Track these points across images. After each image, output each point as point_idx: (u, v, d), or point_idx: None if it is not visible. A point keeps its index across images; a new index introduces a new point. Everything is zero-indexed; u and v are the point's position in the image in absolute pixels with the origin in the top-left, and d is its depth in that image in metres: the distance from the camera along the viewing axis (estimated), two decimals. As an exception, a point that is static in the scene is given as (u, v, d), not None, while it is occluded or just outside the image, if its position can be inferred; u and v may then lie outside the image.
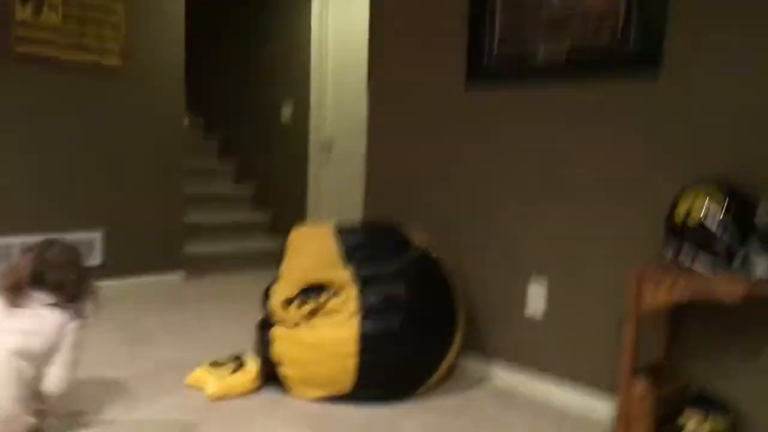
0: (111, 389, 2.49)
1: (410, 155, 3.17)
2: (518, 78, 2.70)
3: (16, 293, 1.99)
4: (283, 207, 5.27)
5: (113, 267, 4.10)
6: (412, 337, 2.50)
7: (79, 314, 2.08)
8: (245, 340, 3.03)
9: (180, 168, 4.45)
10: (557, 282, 2.61)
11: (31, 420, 1.96)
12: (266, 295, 2.77)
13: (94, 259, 4.02)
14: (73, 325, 2.04)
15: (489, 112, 2.83)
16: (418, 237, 2.85)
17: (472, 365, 2.91)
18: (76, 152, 3.92)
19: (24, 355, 1.91)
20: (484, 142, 2.86)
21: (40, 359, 1.95)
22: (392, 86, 3.25)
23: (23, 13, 3.64)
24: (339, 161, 4.95)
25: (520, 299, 2.73)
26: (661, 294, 1.94)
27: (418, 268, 2.63)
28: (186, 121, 4.62)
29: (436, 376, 2.63)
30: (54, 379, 1.97)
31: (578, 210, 2.53)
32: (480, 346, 2.90)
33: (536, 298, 2.67)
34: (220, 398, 2.44)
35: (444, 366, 2.64)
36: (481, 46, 2.83)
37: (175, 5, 4.31)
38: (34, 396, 1.97)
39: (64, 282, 2.06)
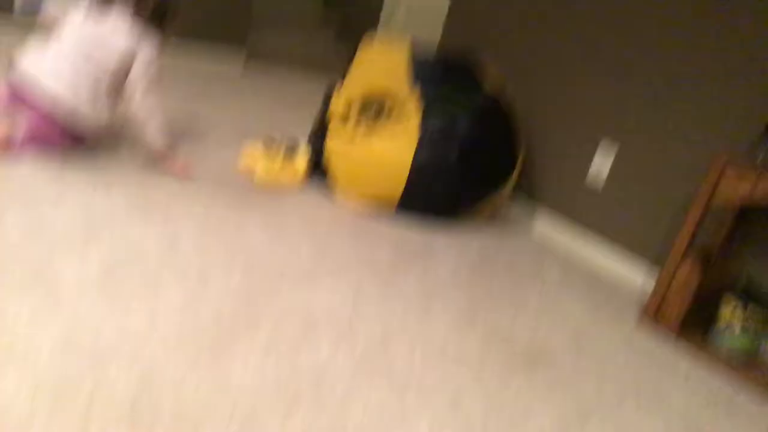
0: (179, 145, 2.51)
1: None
2: None
3: (101, 2, 2.12)
4: (356, 8, 5.00)
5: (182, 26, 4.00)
6: (465, 169, 2.45)
7: (156, 35, 2.18)
8: (303, 132, 3.03)
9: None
10: (627, 151, 2.49)
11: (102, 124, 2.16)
12: (328, 94, 2.71)
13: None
14: (149, 45, 2.15)
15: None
16: (493, 76, 2.70)
17: (519, 214, 2.90)
18: None
19: (95, 59, 2.06)
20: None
21: (113, 69, 2.10)
22: None
23: None
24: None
25: (584, 162, 2.64)
26: (741, 187, 1.85)
27: (485, 106, 2.53)
28: None
29: (478, 210, 2.63)
30: (136, 102, 2.13)
31: (669, 82, 2.34)
32: (531, 198, 2.86)
33: (602, 163, 2.57)
34: (268, 183, 2.48)
35: (489, 204, 2.63)
36: None
37: None
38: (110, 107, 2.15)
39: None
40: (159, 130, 2.19)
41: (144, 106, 2.15)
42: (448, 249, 2.33)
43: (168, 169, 2.27)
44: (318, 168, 2.61)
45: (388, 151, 2.43)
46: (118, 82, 2.14)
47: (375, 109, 2.56)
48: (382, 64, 2.69)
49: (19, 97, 2.03)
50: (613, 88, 2.53)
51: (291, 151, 2.61)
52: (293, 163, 2.57)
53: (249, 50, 4.45)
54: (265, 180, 2.48)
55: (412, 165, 2.40)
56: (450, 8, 3.20)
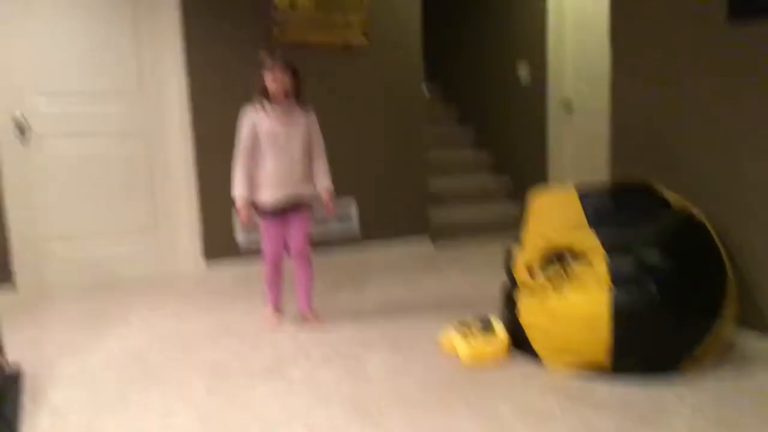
0: (367, 341, 2.73)
1: (663, 107, 2.91)
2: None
3: (284, 100, 2.78)
4: (523, 171, 5.21)
5: (367, 233, 4.46)
6: (672, 307, 2.28)
7: (309, 110, 2.90)
8: (493, 305, 3.08)
9: (422, 136, 4.64)
10: None
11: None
12: (509, 260, 2.77)
13: (352, 224, 4.41)
14: (314, 119, 2.91)
15: (761, 50, 2.47)
16: (674, 198, 2.62)
17: (752, 342, 2.59)
18: (329, 125, 4.27)
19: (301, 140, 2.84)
20: (755, 85, 2.51)
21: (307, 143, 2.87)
22: (639, 36, 3.00)
23: (281, 2, 4.05)
24: (580, 121, 4.73)
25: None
26: None
27: (676, 232, 2.40)
28: (425, 91, 4.78)
29: (702, 351, 2.37)
30: (321, 172, 2.92)
31: None
32: (761, 321, 2.58)
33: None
34: (473, 362, 2.50)
35: (712, 340, 2.38)
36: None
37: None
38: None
39: (302, 86, 2.84)
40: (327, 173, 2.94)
41: (325, 172, 2.94)
42: (679, 407, 2.07)
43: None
44: (516, 337, 2.59)
45: (581, 303, 2.35)
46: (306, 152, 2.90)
47: (559, 261, 2.55)
48: (555, 214, 2.71)
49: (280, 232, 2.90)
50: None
51: (486, 324, 2.66)
52: (491, 337, 2.58)
53: (432, 228, 4.74)
54: (468, 358, 2.51)
55: (610, 315, 2.28)
56: (611, 146, 3.22)
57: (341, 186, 4.34)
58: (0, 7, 3.51)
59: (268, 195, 2.84)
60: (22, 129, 3.62)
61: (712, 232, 2.49)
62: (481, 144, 5.68)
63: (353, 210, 4.42)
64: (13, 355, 2.64)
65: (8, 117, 3.58)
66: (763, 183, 2.51)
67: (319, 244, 4.29)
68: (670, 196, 2.64)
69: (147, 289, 3.72)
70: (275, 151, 2.80)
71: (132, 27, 3.81)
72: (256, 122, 2.81)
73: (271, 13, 4.05)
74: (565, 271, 2.50)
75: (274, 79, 2.75)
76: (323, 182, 2.94)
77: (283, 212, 2.89)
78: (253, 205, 2.88)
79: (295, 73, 2.80)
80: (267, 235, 2.95)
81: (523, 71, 5.06)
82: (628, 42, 3.07)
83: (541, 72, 4.88)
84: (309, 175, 2.91)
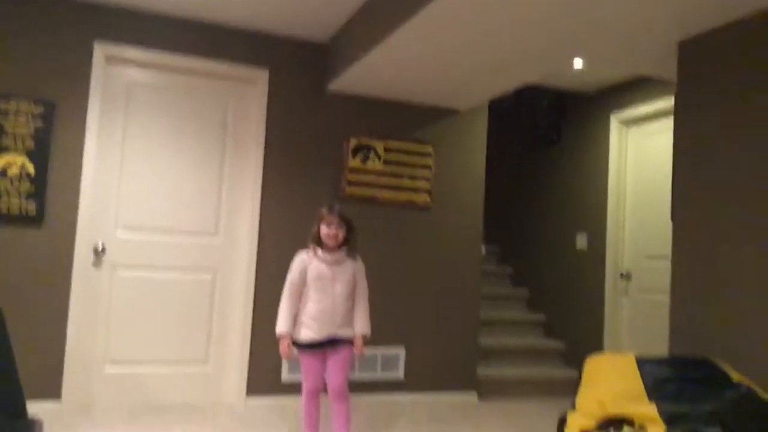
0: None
1: (726, 285, 2.90)
2: None
3: (335, 248, 3.01)
4: (577, 335, 5.12)
5: (413, 382, 4.40)
6: None
7: (357, 258, 3.09)
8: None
9: (477, 293, 4.69)
10: None
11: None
12: (561, 424, 2.69)
13: (398, 372, 4.37)
14: (361, 267, 3.10)
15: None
16: (736, 375, 2.53)
17: None
18: (388, 275, 4.42)
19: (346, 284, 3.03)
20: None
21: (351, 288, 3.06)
22: (699, 219, 3.08)
23: (354, 161, 4.38)
24: (638, 293, 4.70)
25: None
26: None
27: (739, 408, 2.31)
28: (483, 250, 4.90)
29: None
30: (361, 315, 3.07)
31: None
32: None
33: None
34: None
35: None
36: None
37: (477, 148, 4.76)
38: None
39: (354, 237, 3.06)
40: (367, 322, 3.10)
41: (365, 323, 3.09)
42: None
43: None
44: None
45: None
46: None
47: (617, 426, 2.47)
48: (612, 381, 2.63)
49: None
50: None
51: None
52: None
53: (480, 385, 4.64)
54: None
55: None
56: (671, 321, 3.18)
57: (392, 333, 4.41)
58: (99, 141, 3.89)
59: (308, 333, 3.00)
60: (97, 255, 3.86)
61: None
62: (535, 305, 5.66)
63: (401, 358, 4.39)
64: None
65: (89, 245, 3.83)
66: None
67: (363, 387, 4.23)
68: (731, 371, 2.56)
69: (190, 417, 3.71)
70: (320, 293, 2.99)
71: (218, 171, 4.15)
72: (306, 263, 3.03)
73: (344, 171, 4.36)
74: (621, 441, 2.40)
75: (328, 229, 2.99)
76: (360, 325, 3.07)
77: (322, 348, 3.01)
78: (293, 341, 3.03)
79: (349, 227, 3.04)
80: (305, 367, 3.06)
81: (582, 239, 5.15)
82: (690, 221, 3.14)
83: (599, 243, 4.96)
84: (350, 319, 3.06)
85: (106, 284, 3.88)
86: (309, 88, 4.31)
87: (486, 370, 4.80)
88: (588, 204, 5.14)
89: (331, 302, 2.99)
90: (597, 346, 4.84)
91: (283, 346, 3.01)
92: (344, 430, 3.05)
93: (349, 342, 3.06)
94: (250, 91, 4.22)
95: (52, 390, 3.69)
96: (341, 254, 3.03)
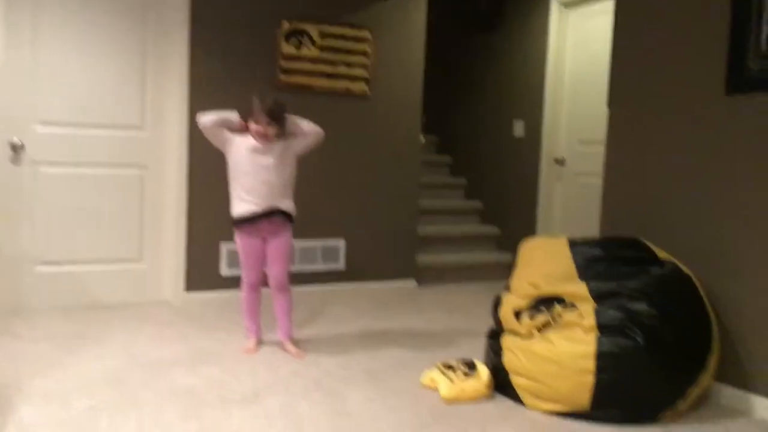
0: (348, 376, 2.69)
1: (657, 169, 2.96)
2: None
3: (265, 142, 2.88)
4: (512, 221, 5.25)
5: (354, 272, 4.46)
6: (656, 357, 2.30)
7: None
8: (476, 347, 3.08)
9: (416, 183, 4.69)
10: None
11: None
12: (496, 304, 2.79)
13: (338, 263, 4.41)
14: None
15: (756, 122, 2.54)
16: (663, 254, 2.65)
17: (730, 395, 2.59)
18: (326, 168, 4.35)
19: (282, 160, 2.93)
20: (748, 156, 2.57)
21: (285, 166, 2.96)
22: (636, 99, 3.08)
23: (287, 47, 4.15)
24: (572, 178, 4.81)
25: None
26: None
27: (663, 284, 2.44)
28: (422, 140, 4.86)
29: (683, 403, 2.39)
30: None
31: None
32: (740, 375, 2.57)
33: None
34: (453, 401, 2.49)
35: (694, 392, 2.40)
36: (745, 47, 2.54)
37: (415, 35, 4.59)
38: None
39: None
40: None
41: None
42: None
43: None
44: (499, 379, 2.58)
45: (567, 350, 2.36)
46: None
47: (546, 309, 2.56)
48: (545, 263, 2.73)
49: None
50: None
51: (469, 365, 2.64)
52: (474, 378, 2.57)
53: (419, 271, 4.76)
54: (449, 396, 2.50)
55: (595, 362, 2.30)
56: (602, 203, 3.26)
57: (332, 225, 4.40)
58: (9, 35, 3.55)
59: (246, 206, 2.91)
60: (15, 151, 3.61)
61: (699, 287, 2.52)
62: (473, 193, 5.74)
63: (341, 250, 4.42)
64: (-15, 369, 2.58)
65: (4, 141, 3.57)
66: (748, 245, 2.54)
67: (304, 279, 4.27)
68: (659, 251, 2.67)
69: (127, 314, 3.66)
70: (253, 165, 2.88)
71: (140, 64, 3.85)
72: (239, 142, 2.92)
73: (278, 59, 4.13)
74: (552, 318, 2.51)
75: (257, 126, 2.86)
76: (290, 205, 3.03)
77: (261, 224, 2.94)
78: (233, 221, 2.96)
79: (282, 123, 2.90)
80: (245, 255, 3.01)
81: (519, 126, 5.17)
82: (626, 107, 3.15)
83: (535, 129, 4.99)
84: (288, 193, 2.99)
85: (28, 182, 3.65)
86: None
87: (424, 258, 4.90)
88: (526, 90, 5.11)
89: (266, 174, 2.89)
90: (531, 230, 4.99)
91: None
92: (286, 319, 3.09)
93: (288, 220, 3.00)
94: None
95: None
96: (270, 136, 2.88)
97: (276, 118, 2.86)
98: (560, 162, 4.86)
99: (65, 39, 3.68)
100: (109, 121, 3.83)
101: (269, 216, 2.94)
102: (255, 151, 2.89)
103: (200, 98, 3.91)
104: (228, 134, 2.93)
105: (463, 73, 5.88)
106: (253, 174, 2.89)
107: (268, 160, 2.90)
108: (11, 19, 3.54)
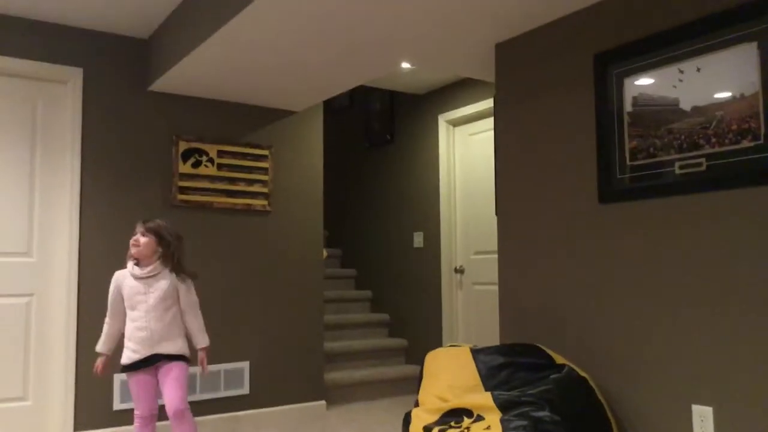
0: None
1: (546, 276, 3.10)
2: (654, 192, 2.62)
3: (148, 263, 2.88)
4: (419, 332, 5.26)
5: (259, 396, 4.26)
6: None
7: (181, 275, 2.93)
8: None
9: (320, 297, 4.64)
10: (725, 414, 2.34)
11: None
12: (407, 422, 2.73)
13: (243, 388, 4.20)
14: (185, 281, 2.94)
15: (627, 227, 2.75)
16: (557, 357, 2.72)
17: None
18: (227, 287, 4.24)
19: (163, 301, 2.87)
20: (620, 258, 2.75)
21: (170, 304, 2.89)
22: (521, 209, 3.27)
23: (184, 167, 4.14)
24: (470, 286, 4.93)
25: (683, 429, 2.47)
26: None
27: (563, 389, 2.49)
28: (325, 254, 4.87)
29: None
30: (196, 330, 2.97)
31: (739, 327, 2.31)
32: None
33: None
34: None
35: None
36: (611, 166, 2.80)
37: (314, 149, 4.71)
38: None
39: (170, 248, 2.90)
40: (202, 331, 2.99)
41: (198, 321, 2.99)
42: None
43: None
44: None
45: None
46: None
47: (456, 423, 2.53)
48: (450, 374, 2.72)
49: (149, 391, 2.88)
50: (684, 345, 2.49)
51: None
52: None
53: (328, 390, 4.63)
54: None
55: None
56: (500, 312, 3.35)
57: (235, 348, 4.22)
58: None
59: (129, 354, 2.89)
60: None
61: (595, 389, 2.59)
62: (378, 305, 5.75)
63: (245, 373, 4.23)
64: None
65: None
66: (637, 346, 2.66)
67: (207, 406, 4.02)
68: (555, 356, 2.75)
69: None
70: (135, 310, 2.87)
71: (28, 182, 3.71)
72: (121, 281, 2.93)
73: (174, 177, 4.10)
74: (462, 430, 2.48)
75: (133, 243, 2.88)
76: (199, 339, 2.99)
77: (147, 367, 2.88)
78: (122, 366, 2.92)
79: (159, 236, 2.90)
80: (134, 392, 2.92)
81: (419, 238, 5.31)
82: (512, 216, 3.33)
83: (434, 240, 5.14)
84: (173, 334, 2.91)
85: None
86: (129, 87, 3.99)
87: (332, 375, 4.78)
88: (422, 203, 5.31)
89: (145, 318, 2.85)
90: (437, 340, 5.01)
91: (98, 364, 2.97)
92: None
93: (176, 357, 2.90)
94: (61, 92, 3.82)
95: None
96: (154, 267, 2.88)
97: (151, 229, 2.89)
98: (459, 271, 5.00)
99: None
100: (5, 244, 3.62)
101: (156, 362, 2.88)
102: (135, 289, 2.88)
103: (92, 218, 3.80)
104: (121, 306, 2.93)
105: (364, 187, 6.05)
106: (135, 317, 2.87)
107: (148, 292, 2.86)
108: None
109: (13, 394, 3.59)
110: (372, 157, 5.96)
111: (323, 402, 4.53)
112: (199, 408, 3.74)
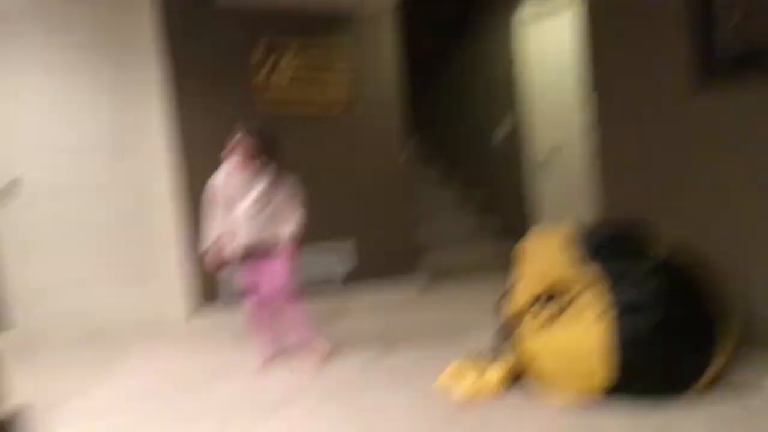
0: (365, 378, 2.77)
1: (640, 156, 3.09)
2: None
3: (249, 161, 3.03)
4: (509, 215, 5.39)
5: (359, 275, 4.52)
6: (671, 336, 2.33)
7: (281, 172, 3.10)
8: (487, 341, 3.11)
9: (408, 179, 4.78)
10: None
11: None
12: (503, 300, 2.81)
13: (343, 268, 4.48)
14: (286, 178, 3.11)
15: (728, 109, 2.67)
16: (660, 236, 2.75)
17: (752, 371, 2.59)
18: (326, 180, 4.43)
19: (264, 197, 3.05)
20: (718, 142, 2.70)
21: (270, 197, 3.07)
22: (615, 91, 3.21)
23: (261, 75, 4.19)
24: (559, 170, 4.94)
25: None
26: None
27: (671, 264, 2.50)
28: (407, 150, 4.92)
29: (702, 382, 2.38)
30: (289, 224, 3.10)
31: None
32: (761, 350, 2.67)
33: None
34: (471, 397, 2.52)
35: (711, 371, 2.39)
36: (711, 36, 2.67)
37: (389, 51, 4.63)
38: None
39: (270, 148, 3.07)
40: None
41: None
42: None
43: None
44: (518, 372, 2.61)
45: (583, 336, 2.39)
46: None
47: (557, 297, 2.59)
48: (550, 251, 2.75)
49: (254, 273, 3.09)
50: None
51: (486, 363, 2.68)
52: (489, 374, 2.60)
53: (423, 273, 4.84)
54: (467, 394, 2.53)
55: (612, 344, 2.32)
56: (599, 183, 3.37)
57: (336, 229, 4.44)
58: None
59: (236, 244, 3.10)
60: (12, 188, 3.68)
61: (700, 264, 2.60)
62: (467, 195, 5.87)
63: (347, 253, 4.50)
64: (18, 397, 2.64)
65: (6, 178, 3.67)
66: (744, 215, 2.68)
67: (310, 285, 4.29)
68: (660, 229, 2.76)
69: (144, 334, 3.73)
70: (240, 206, 3.06)
71: (112, 91, 3.94)
72: (225, 181, 3.10)
73: (253, 87, 4.19)
74: (563, 306, 2.54)
75: (236, 141, 3.04)
76: (287, 229, 3.13)
77: (253, 255, 3.09)
78: (225, 257, 3.13)
79: (261, 138, 3.06)
80: (246, 276, 3.17)
81: (504, 127, 5.29)
82: (610, 89, 3.27)
83: (520, 126, 5.12)
84: (273, 225, 3.10)
85: (30, 217, 3.73)
86: (201, 3, 4.05)
87: (428, 257, 4.97)
88: (504, 91, 5.23)
89: (249, 212, 3.06)
90: (528, 219, 5.11)
91: (211, 258, 3.14)
92: (300, 326, 3.17)
93: (278, 246, 3.11)
94: (137, 17, 3.94)
95: (4, 322, 3.62)
96: (256, 166, 3.06)
97: (252, 131, 3.04)
98: (548, 155, 4.99)
99: (43, 79, 3.78)
100: (106, 146, 3.91)
101: (262, 250, 3.10)
102: (239, 184, 3.06)
103: (185, 125, 4.01)
104: (225, 202, 3.10)
105: (442, 79, 6.00)
106: (238, 212, 3.06)
107: (251, 194, 3.05)
108: None
109: (142, 276, 4.01)
110: (449, 48, 5.84)
111: (420, 282, 4.77)
112: (303, 286, 4.02)
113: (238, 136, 3.04)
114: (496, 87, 5.31)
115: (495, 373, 2.60)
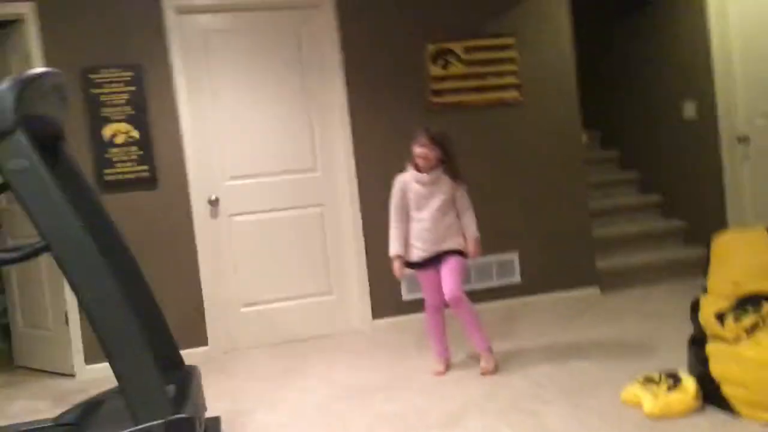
0: (542, 393, 2.67)
1: None
2: None
3: (429, 168, 3.09)
4: (697, 212, 4.88)
5: (530, 284, 4.40)
6: None
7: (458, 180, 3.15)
8: (675, 357, 2.88)
9: (584, 183, 4.55)
10: None
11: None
12: (694, 308, 2.62)
13: (513, 277, 4.38)
14: (462, 187, 3.16)
15: None
16: None
17: None
18: (488, 181, 4.34)
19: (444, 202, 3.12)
20: None
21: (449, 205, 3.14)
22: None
23: (435, 69, 4.25)
24: (759, 157, 4.37)
25: None
26: None
27: None
28: (584, 138, 4.69)
29: None
30: (468, 224, 3.17)
31: None
32: None
33: None
34: (658, 417, 2.37)
35: None
36: None
37: (562, 28, 4.48)
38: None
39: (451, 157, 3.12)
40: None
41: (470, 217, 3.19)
42: None
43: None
44: (706, 390, 2.41)
45: None
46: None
47: (754, 309, 2.37)
48: (746, 257, 2.55)
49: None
50: None
51: (673, 377, 2.49)
52: (680, 390, 2.42)
53: (600, 277, 4.57)
54: (654, 412, 2.38)
55: None
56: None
57: (503, 239, 4.36)
58: (193, 99, 3.99)
59: (416, 252, 3.16)
60: (213, 205, 4.04)
61: None
62: (647, 186, 5.42)
63: (515, 263, 4.38)
64: (211, 407, 2.90)
65: (203, 198, 4.01)
66: None
67: (480, 296, 4.24)
68: None
69: (323, 346, 3.93)
70: (419, 212, 3.12)
71: (305, 111, 4.16)
72: (405, 184, 3.15)
73: (426, 81, 4.24)
74: (762, 318, 2.32)
75: (420, 150, 3.08)
76: (470, 232, 3.17)
77: (432, 263, 3.14)
78: (406, 262, 3.19)
79: (443, 147, 3.09)
80: (422, 284, 3.25)
81: (690, 108, 4.81)
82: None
83: (709, 108, 4.61)
84: (452, 233, 3.14)
85: (225, 232, 4.07)
86: (377, -1, 4.19)
87: (604, 263, 4.68)
88: (691, 68, 4.75)
89: (430, 220, 3.10)
90: (720, 220, 4.59)
91: (396, 267, 3.20)
92: (475, 330, 3.17)
93: (455, 253, 3.13)
94: (318, 16, 4.15)
95: (198, 337, 3.97)
96: (437, 174, 3.09)
97: (435, 140, 3.07)
98: (743, 140, 4.45)
99: (238, 94, 4.09)
100: (286, 167, 4.16)
101: (440, 257, 3.14)
102: (419, 192, 3.11)
103: (361, 130, 4.16)
104: (407, 209, 3.18)
105: (619, 58, 5.60)
106: (420, 218, 3.12)
107: (432, 195, 3.09)
108: (192, 84, 3.97)
109: (322, 289, 4.23)
110: (627, 22, 5.44)
111: (597, 288, 4.52)
112: (474, 296, 3.97)
113: (418, 144, 3.09)
114: (683, 60, 4.84)
115: (684, 390, 2.43)
